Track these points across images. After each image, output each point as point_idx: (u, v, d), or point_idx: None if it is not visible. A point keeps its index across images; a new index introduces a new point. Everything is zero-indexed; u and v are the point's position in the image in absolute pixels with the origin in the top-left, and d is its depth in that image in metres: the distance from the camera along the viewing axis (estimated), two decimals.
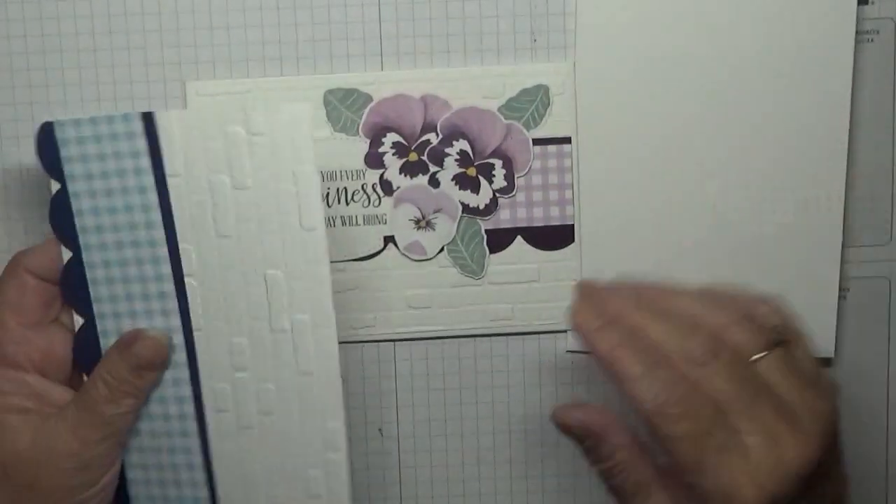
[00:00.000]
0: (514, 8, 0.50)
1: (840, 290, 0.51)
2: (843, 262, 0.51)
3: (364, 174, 0.51)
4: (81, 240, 0.45)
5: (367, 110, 0.51)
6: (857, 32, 0.50)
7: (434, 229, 0.51)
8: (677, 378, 0.38)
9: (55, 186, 0.45)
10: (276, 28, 0.50)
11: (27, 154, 0.50)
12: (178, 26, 0.50)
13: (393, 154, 0.51)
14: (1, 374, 0.44)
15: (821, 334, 0.52)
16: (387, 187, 0.51)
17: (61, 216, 0.45)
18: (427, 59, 0.51)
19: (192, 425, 0.46)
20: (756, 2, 0.50)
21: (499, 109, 0.51)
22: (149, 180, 0.44)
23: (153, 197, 0.44)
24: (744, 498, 0.37)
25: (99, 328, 0.45)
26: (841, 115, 0.50)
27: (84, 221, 0.45)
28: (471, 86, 0.50)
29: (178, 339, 0.45)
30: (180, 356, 0.45)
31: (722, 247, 0.51)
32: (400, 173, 0.51)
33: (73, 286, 0.45)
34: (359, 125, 0.51)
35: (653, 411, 0.38)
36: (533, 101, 0.51)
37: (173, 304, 0.45)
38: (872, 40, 0.51)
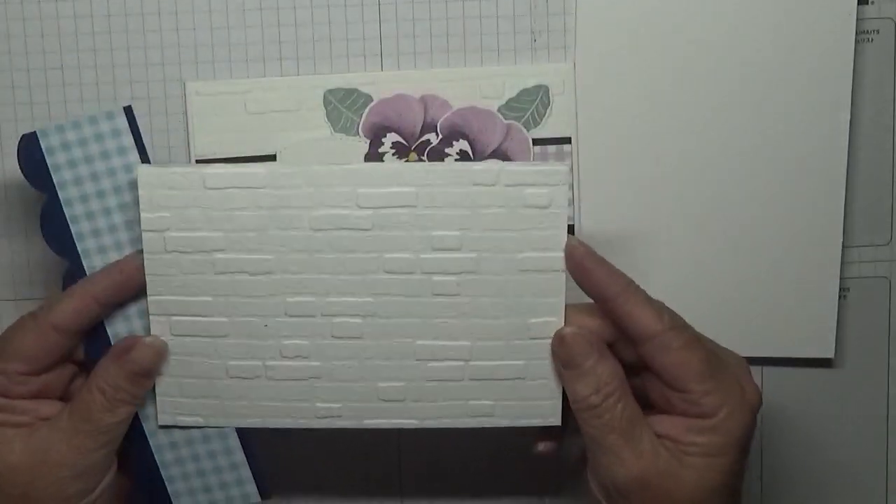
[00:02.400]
0: (514, 8, 0.50)
1: (840, 290, 0.51)
2: (843, 262, 0.51)
3: None
4: (79, 247, 0.45)
5: (367, 110, 0.51)
6: (857, 32, 0.50)
7: None
8: None
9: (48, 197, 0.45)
10: (276, 28, 0.50)
11: None
12: (178, 26, 0.50)
13: (393, 154, 0.51)
14: None
15: (821, 334, 0.52)
16: None
17: (54, 227, 0.45)
18: (427, 59, 0.51)
19: None
20: (756, 2, 0.50)
21: (499, 109, 0.51)
22: None
23: None
24: None
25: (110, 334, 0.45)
26: (841, 115, 0.50)
27: (80, 228, 0.45)
28: (471, 86, 0.50)
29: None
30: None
31: (722, 247, 0.51)
32: None
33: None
34: (359, 125, 0.51)
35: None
36: (533, 101, 0.51)
37: None
38: (872, 40, 0.51)
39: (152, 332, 0.45)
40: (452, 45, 0.50)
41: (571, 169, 0.51)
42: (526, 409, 0.46)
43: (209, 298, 0.45)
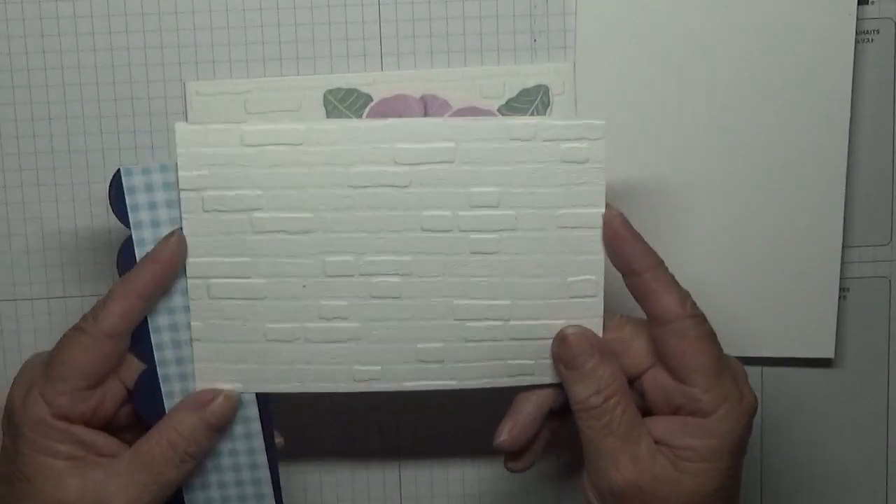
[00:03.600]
0: (514, 8, 0.50)
1: (840, 290, 0.51)
2: (843, 262, 0.51)
3: None
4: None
5: (367, 110, 0.51)
6: (857, 32, 0.50)
7: None
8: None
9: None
10: (275, 28, 0.50)
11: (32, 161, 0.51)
12: (178, 26, 0.50)
13: None
14: (50, 423, 0.42)
15: (821, 334, 0.52)
16: None
17: (129, 264, 0.44)
18: (427, 59, 0.51)
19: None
20: (756, 2, 0.50)
21: (499, 109, 0.51)
22: None
23: None
24: None
25: (161, 373, 0.45)
26: (841, 115, 0.50)
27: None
28: (471, 86, 0.50)
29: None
30: None
31: (722, 247, 0.51)
32: None
33: (137, 341, 0.44)
34: None
35: None
36: (533, 102, 0.51)
37: None
38: (872, 40, 0.51)
39: (190, 296, 0.44)
40: (452, 46, 0.50)
41: None
42: None
43: (247, 259, 0.44)
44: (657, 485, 0.42)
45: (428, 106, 0.50)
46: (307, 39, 0.50)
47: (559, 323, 0.45)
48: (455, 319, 0.45)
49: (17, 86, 0.50)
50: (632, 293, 0.43)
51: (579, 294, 0.44)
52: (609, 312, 0.45)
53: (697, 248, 0.51)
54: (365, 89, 0.50)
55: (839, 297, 0.52)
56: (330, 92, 0.50)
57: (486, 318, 0.45)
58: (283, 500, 0.47)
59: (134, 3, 0.50)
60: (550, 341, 0.45)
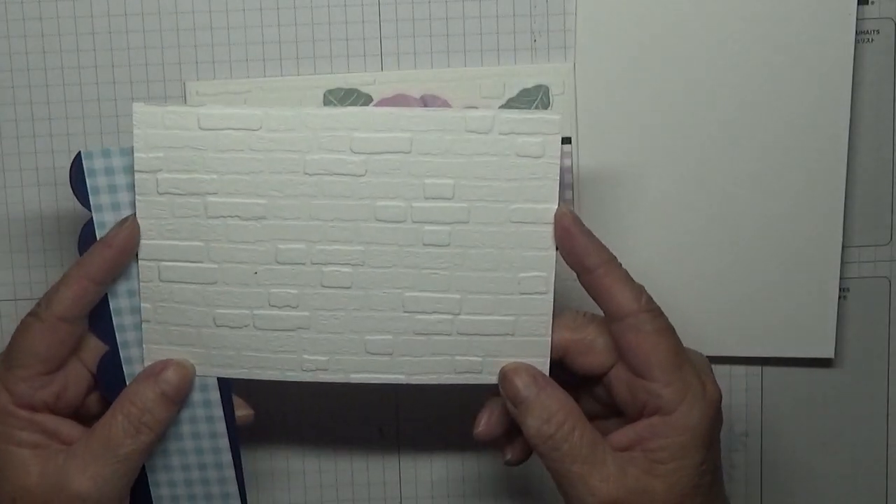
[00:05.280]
0: (514, 8, 0.50)
1: (840, 290, 0.51)
2: (843, 262, 0.51)
3: None
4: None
5: None
6: (857, 32, 0.50)
7: None
8: None
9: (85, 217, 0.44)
10: (276, 28, 0.50)
11: (28, 160, 0.51)
12: (178, 26, 0.50)
13: None
14: (12, 412, 0.43)
15: (821, 334, 0.52)
16: None
17: (89, 246, 0.44)
18: (427, 59, 0.51)
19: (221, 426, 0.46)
20: (756, 2, 0.50)
21: (499, 109, 0.50)
22: None
23: None
24: None
25: (123, 355, 0.45)
26: (841, 115, 0.50)
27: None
28: (471, 86, 0.50)
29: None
30: None
31: (722, 247, 0.51)
32: None
33: (98, 324, 0.45)
34: None
35: None
36: (533, 102, 0.50)
37: None
38: (872, 40, 0.51)
39: (141, 278, 0.44)
40: (452, 46, 0.50)
41: (571, 169, 0.51)
42: None
43: (200, 243, 0.44)
44: (633, 497, 0.41)
45: (428, 106, 0.50)
46: (307, 39, 0.50)
47: (509, 319, 0.44)
48: (405, 311, 0.44)
49: (17, 86, 0.50)
50: (587, 291, 0.43)
51: (529, 290, 0.44)
52: (572, 310, 0.45)
53: (698, 248, 0.51)
54: (365, 89, 0.50)
55: (839, 297, 0.52)
56: (330, 92, 0.50)
57: (436, 312, 0.44)
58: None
59: (134, 3, 0.50)
60: (499, 338, 0.44)
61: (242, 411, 0.46)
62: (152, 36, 0.50)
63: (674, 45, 0.50)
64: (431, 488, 0.54)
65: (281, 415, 0.53)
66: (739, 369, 0.53)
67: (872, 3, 0.50)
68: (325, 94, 0.50)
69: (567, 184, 0.51)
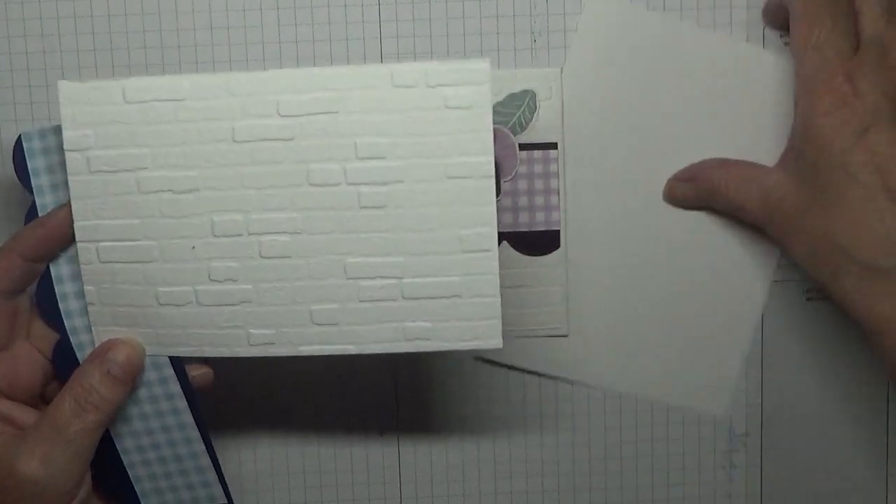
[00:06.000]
0: (514, 8, 0.50)
1: None
2: None
3: None
4: (62, 256, 0.44)
5: None
6: None
7: None
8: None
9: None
10: (275, 28, 0.50)
11: None
12: (178, 26, 0.50)
13: None
14: None
15: (820, 334, 0.52)
16: None
17: None
18: (427, 60, 0.51)
19: (188, 418, 0.46)
20: (751, 4, 0.50)
21: None
22: None
23: None
24: None
25: (73, 342, 0.45)
26: None
27: None
28: None
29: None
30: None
31: (710, 250, 0.51)
32: None
33: (47, 311, 0.44)
34: None
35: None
36: (520, 107, 0.50)
37: None
38: None
39: (81, 261, 0.43)
40: (453, 46, 0.50)
41: (558, 174, 0.50)
42: (464, 330, 0.43)
43: (135, 221, 0.43)
44: None
45: None
46: (307, 39, 0.50)
47: (454, 280, 0.43)
48: (348, 278, 0.43)
49: (17, 86, 0.50)
50: None
51: (473, 248, 0.43)
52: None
53: (683, 251, 0.51)
54: None
55: None
56: None
57: (380, 277, 0.43)
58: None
59: (134, 3, 0.50)
60: (447, 300, 0.43)
61: (198, 371, 0.46)
62: (152, 36, 0.50)
63: (662, 52, 0.50)
64: (432, 488, 0.54)
65: (281, 415, 0.53)
66: (739, 370, 0.53)
67: None
68: None
69: (553, 189, 0.51)
